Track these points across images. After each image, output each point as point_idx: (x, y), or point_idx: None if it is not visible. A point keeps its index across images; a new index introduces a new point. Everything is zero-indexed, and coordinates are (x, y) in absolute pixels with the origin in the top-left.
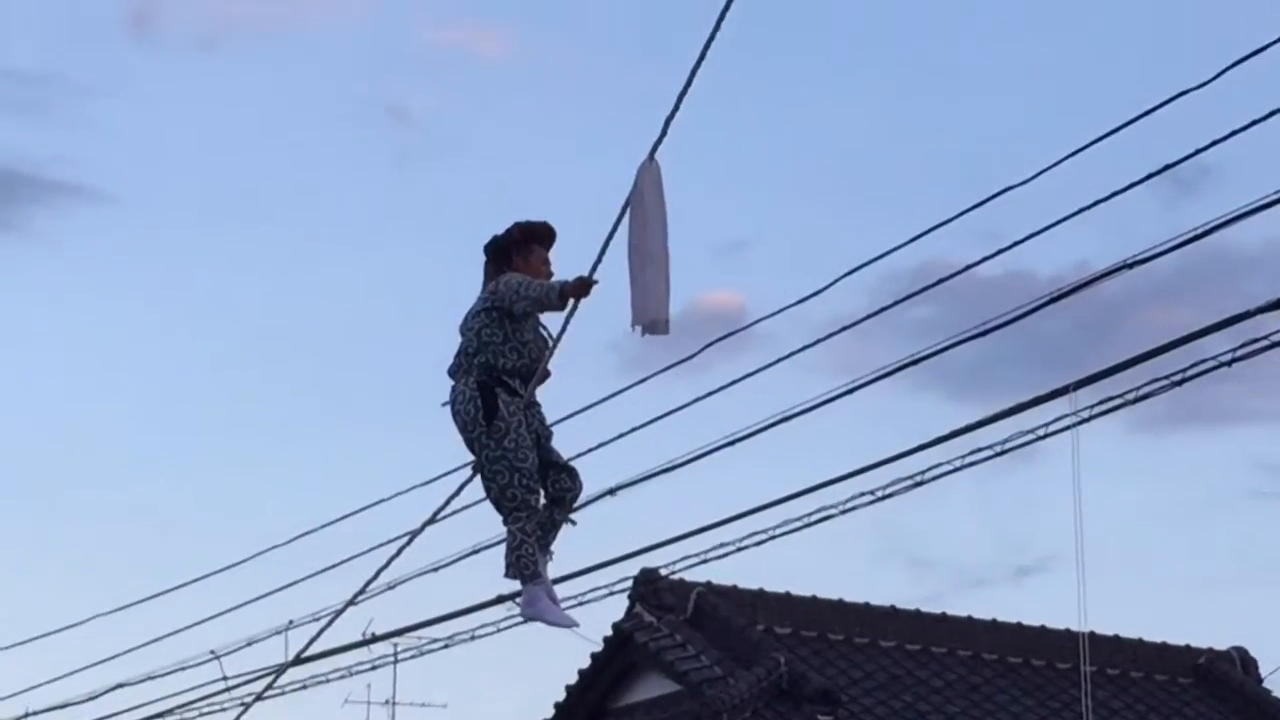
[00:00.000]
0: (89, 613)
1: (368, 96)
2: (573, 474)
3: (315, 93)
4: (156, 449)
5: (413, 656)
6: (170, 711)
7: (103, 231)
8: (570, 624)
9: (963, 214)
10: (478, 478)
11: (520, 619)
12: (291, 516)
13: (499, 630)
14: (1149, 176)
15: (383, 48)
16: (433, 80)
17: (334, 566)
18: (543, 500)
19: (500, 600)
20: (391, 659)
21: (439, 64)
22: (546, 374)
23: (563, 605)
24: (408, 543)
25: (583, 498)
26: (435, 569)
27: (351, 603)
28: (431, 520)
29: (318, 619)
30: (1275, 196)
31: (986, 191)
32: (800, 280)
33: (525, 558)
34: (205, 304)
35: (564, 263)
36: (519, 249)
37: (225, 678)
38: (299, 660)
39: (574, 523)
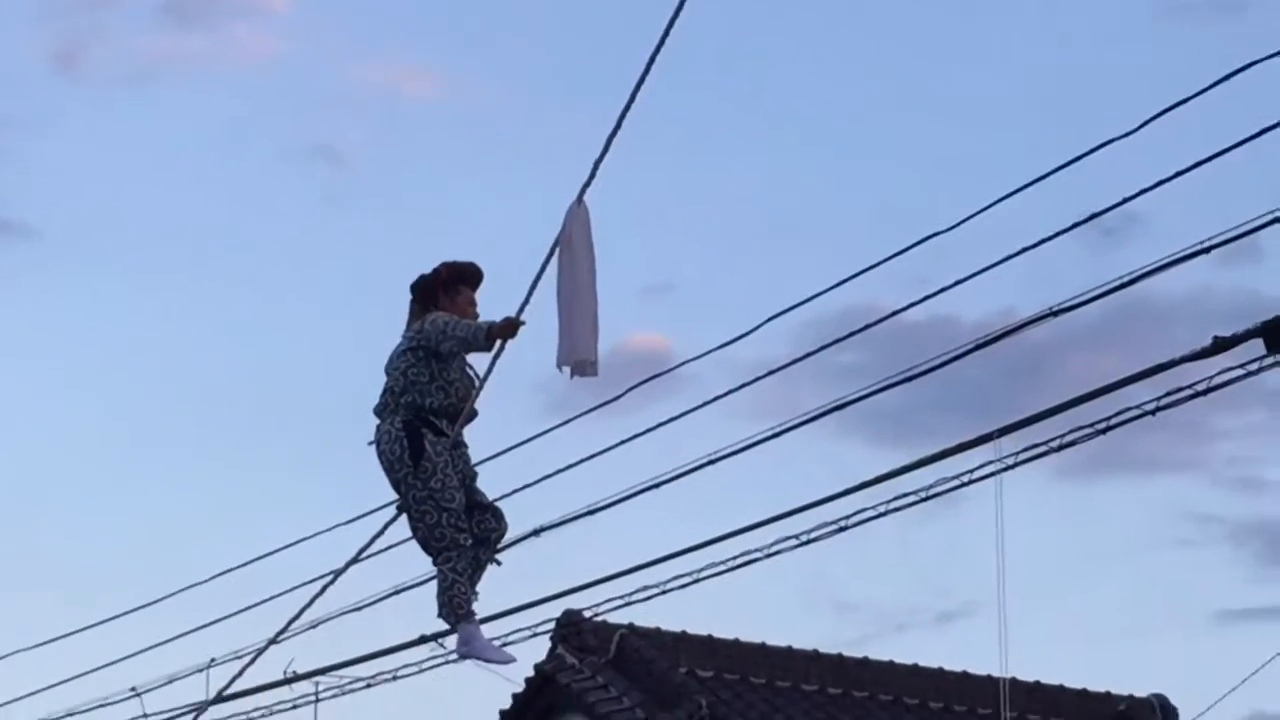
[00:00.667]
0: (7, 648)
1: (296, 135)
2: (498, 515)
3: (244, 131)
4: (74, 486)
5: (334, 695)
6: None
7: (25, 267)
8: (507, 660)
9: (888, 259)
10: (403, 517)
11: (444, 659)
12: (213, 553)
13: (421, 670)
14: (1075, 225)
15: (311, 86)
16: (361, 119)
17: (256, 605)
18: (470, 540)
19: (423, 640)
20: (313, 698)
21: (368, 102)
22: (473, 414)
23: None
24: (332, 580)
25: (507, 539)
26: (358, 608)
27: (274, 640)
28: (356, 558)
29: (239, 656)
30: (1200, 245)
31: (912, 237)
32: (726, 323)
33: (458, 597)
34: (129, 341)
35: (491, 303)
36: (446, 289)
37: (146, 715)
38: (220, 698)
39: (499, 563)
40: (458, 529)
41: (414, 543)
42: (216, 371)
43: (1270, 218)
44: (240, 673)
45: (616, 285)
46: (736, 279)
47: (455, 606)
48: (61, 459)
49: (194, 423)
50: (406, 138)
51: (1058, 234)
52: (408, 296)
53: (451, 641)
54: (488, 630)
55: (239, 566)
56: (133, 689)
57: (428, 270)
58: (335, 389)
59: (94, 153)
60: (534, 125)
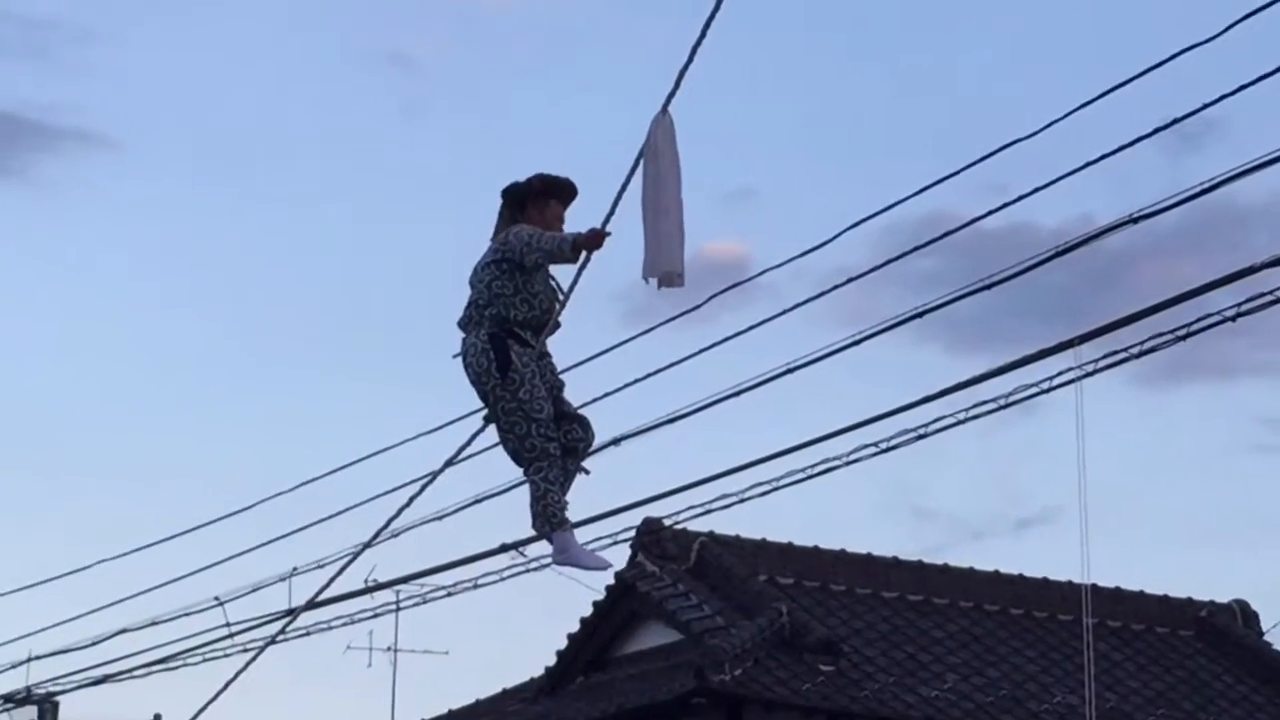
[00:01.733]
0: (93, 558)
1: (372, 44)
2: (585, 424)
3: (320, 40)
4: (160, 396)
5: (415, 604)
6: (174, 657)
7: (105, 178)
8: (603, 565)
9: (968, 167)
10: (491, 429)
11: (524, 567)
12: (297, 465)
13: (502, 579)
14: (1155, 131)
15: None
16: (439, 28)
17: (339, 514)
18: (559, 450)
19: (504, 549)
20: (394, 606)
21: (445, 11)
22: (557, 325)
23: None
24: (423, 487)
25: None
26: (439, 517)
27: (369, 545)
28: (447, 465)
29: (321, 566)
30: (1279, 151)
31: (992, 145)
32: (804, 232)
33: (551, 506)
34: (208, 252)
35: (575, 214)
36: (536, 201)
37: (229, 624)
38: (311, 605)
39: (587, 472)
40: (547, 439)
41: (495, 453)
42: (298, 284)
43: None
44: (331, 580)
45: (695, 193)
46: (815, 187)
47: (549, 515)
48: (148, 368)
49: (279, 334)
50: (485, 47)
51: (1137, 140)
52: (488, 211)
53: (533, 551)
54: None
55: (322, 476)
56: (216, 598)
57: (521, 179)
58: (418, 302)
59: (171, 63)
60: (615, 33)
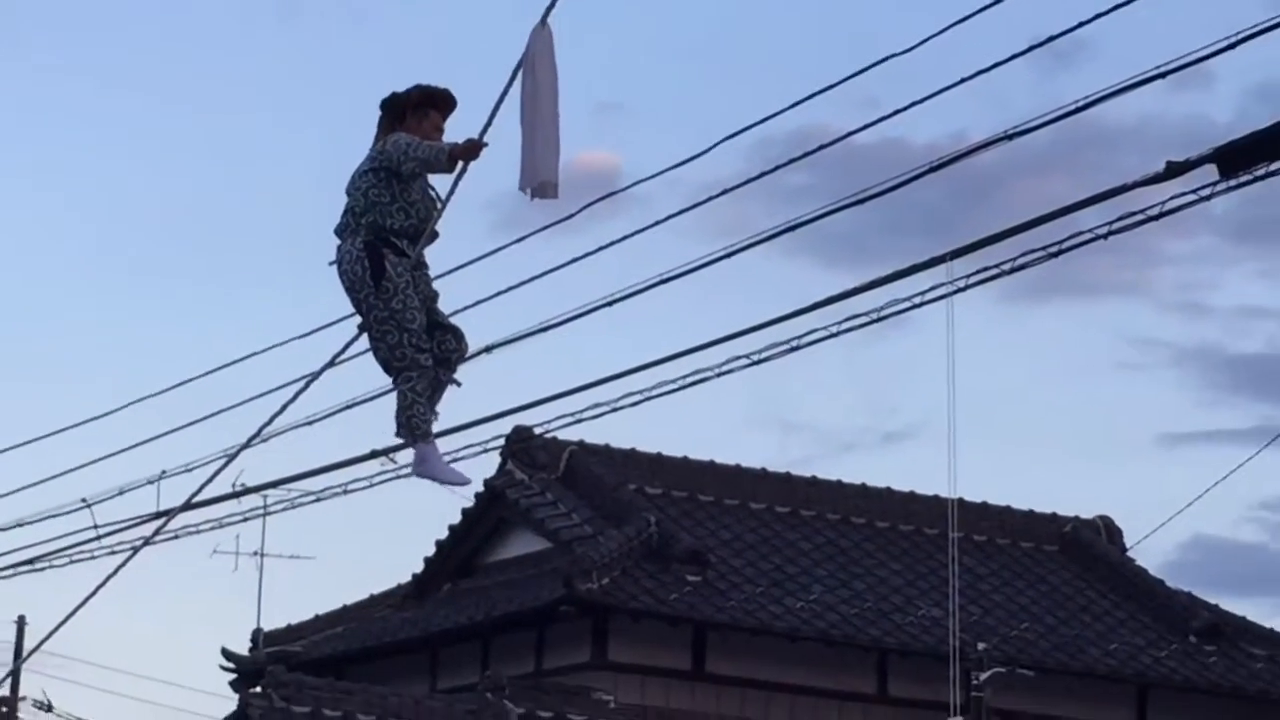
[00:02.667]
0: None
1: None
2: (458, 335)
3: None
4: (30, 299)
5: (284, 509)
6: (40, 559)
7: None
8: (463, 481)
9: (841, 82)
10: (364, 336)
11: (394, 474)
12: (168, 367)
13: (371, 485)
14: (1028, 49)
15: None
16: None
17: (209, 417)
18: (430, 360)
19: (374, 455)
20: (262, 511)
21: None
22: (434, 235)
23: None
24: (298, 392)
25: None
26: (309, 422)
27: (246, 446)
28: (323, 370)
29: (190, 470)
30: (1151, 72)
31: (865, 60)
32: (677, 145)
33: (417, 417)
34: (84, 154)
35: (453, 124)
36: (415, 110)
37: (96, 526)
38: (187, 507)
39: (459, 383)
40: (419, 349)
41: (368, 360)
42: (171, 188)
43: (1223, 43)
44: (206, 484)
45: (569, 104)
46: (688, 100)
47: (413, 426)
48: (17, 270)
49: (151, 237)
50: None
51: (1010, 58)
52: (367, 120)
53: (404, 458)
54: (441, 445)
55: (193, 379)
56: (83, 500)
57: (401, 89)
58: (294, 208)
59: None
60: None
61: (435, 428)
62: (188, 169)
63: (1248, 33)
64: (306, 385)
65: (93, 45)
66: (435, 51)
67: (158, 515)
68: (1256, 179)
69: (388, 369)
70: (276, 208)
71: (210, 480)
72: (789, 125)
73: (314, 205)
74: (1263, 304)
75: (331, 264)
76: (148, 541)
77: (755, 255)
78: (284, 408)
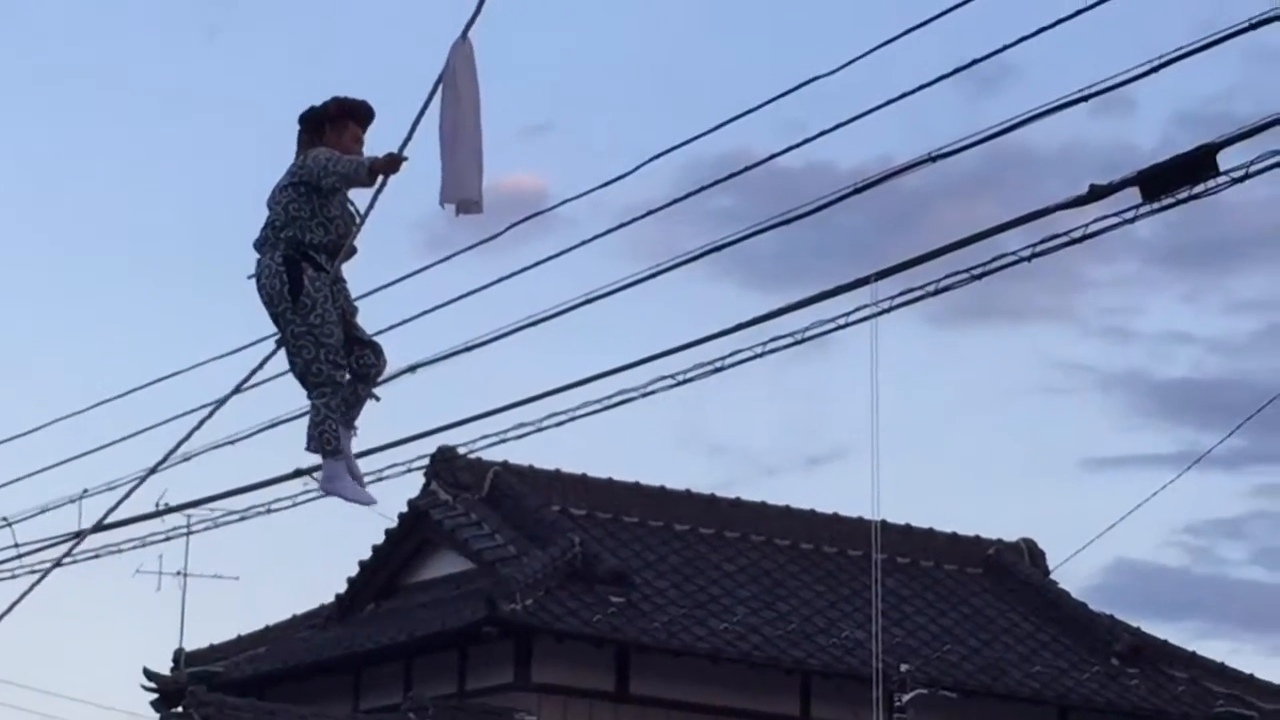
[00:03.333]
0: None
1: None
2: (377, 350)
3: None
4: None
5: (207, 528)
6: None
7: None
8: (368, 501)
9: (766, 104)
10: (282, 352)
11: (318, 493)
12: (89, 385)
13: (295, 505)
14: (953, 72)
15: None
16: None
17: (130, 436)
18: (347, 376)
19: (298, 474)
20: (185, 530)
21: None
22: (353, 250)
23: (363, 481)
24: (213, 410)
25: (384, 375)
26: (231, 441)
27: (155, 470)
28: (237, 390)
29: (112, 488)
30: (1074, 96)
31: (791, 82)
32: (602, 166)
33: (328, 433)
34: (6, 165)
35: (374, 139)
36: (334, 124)
37: (17, 544)
38: (100, 527)
39: (377, 398)
40: (335, 365)
41: (289, 378)
42: (93, 203)
43: (1145, 68)
44: (119, 502)
45: (494, 125)
46: (614, 121)
47: (324, 441)
48: None
49: (73, 254)
50: None
51: (935, 81)
52: (289, 133)
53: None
54: (363, 465)
55: (114, 398)
56: (3, 518)
57: (318, 104)
58: (215, 223)
59: None
60: None
61: (357, 446)
62: (104, 184)
63: (1169, 57)
64: (217, 407)
65: (22, 57)
66: (356, 66)
67: (78, 535)
68: (1179, 202)
69: (303, 383)
70: (199, 223)
71: (124, 499)
72: (716, 149)
73: (235, 219)
74: (1187, 329)
75: (250, 278)
76: (59, 562)
77: (681, 276)
78: (194, 429)
